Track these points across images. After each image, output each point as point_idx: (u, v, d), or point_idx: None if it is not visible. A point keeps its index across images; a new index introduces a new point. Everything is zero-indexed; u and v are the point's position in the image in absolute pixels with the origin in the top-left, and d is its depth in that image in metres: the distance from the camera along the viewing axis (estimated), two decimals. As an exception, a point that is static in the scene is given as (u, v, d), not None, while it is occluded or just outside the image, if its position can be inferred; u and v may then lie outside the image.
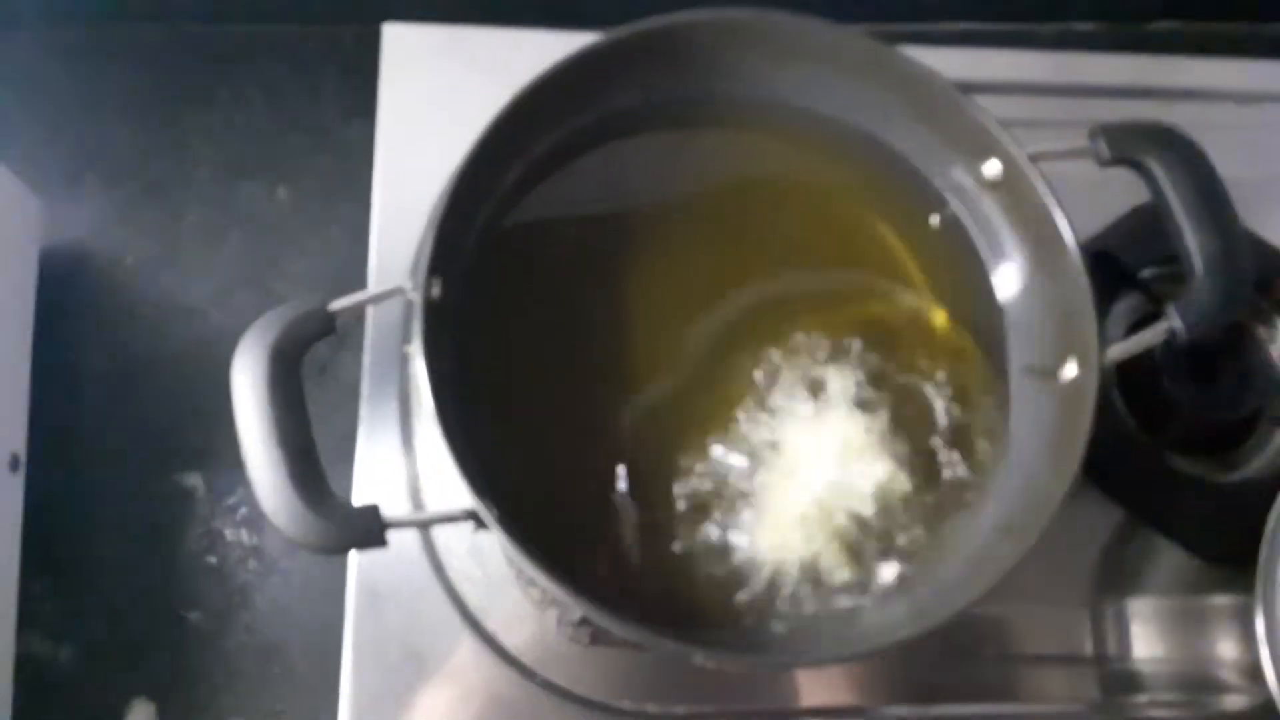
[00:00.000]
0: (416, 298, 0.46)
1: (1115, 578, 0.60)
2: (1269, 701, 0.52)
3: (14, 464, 0.66)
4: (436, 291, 0.48)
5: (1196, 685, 0.59)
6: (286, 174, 0.77)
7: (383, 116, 0.65)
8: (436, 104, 0.65)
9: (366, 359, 0.60)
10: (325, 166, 0.77)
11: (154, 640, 0.69)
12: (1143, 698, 0.59)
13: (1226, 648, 0.59)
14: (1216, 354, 0.61)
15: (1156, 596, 0.60)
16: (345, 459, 0.59)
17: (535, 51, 0.52)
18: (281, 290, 0.74)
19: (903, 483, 0.50)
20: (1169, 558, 0.60)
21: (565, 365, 0.52)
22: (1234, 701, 0.59)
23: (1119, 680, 0.59)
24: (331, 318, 0.47)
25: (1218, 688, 0.59)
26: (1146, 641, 0.59)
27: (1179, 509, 0.59)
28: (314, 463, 0.44)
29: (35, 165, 0.76)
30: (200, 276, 0.75)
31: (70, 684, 0.68)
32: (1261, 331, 0.63)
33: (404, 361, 0.60)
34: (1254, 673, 0.55)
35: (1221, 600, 0.60)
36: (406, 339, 0.60)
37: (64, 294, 0.73)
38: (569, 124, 0.55)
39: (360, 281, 0.61)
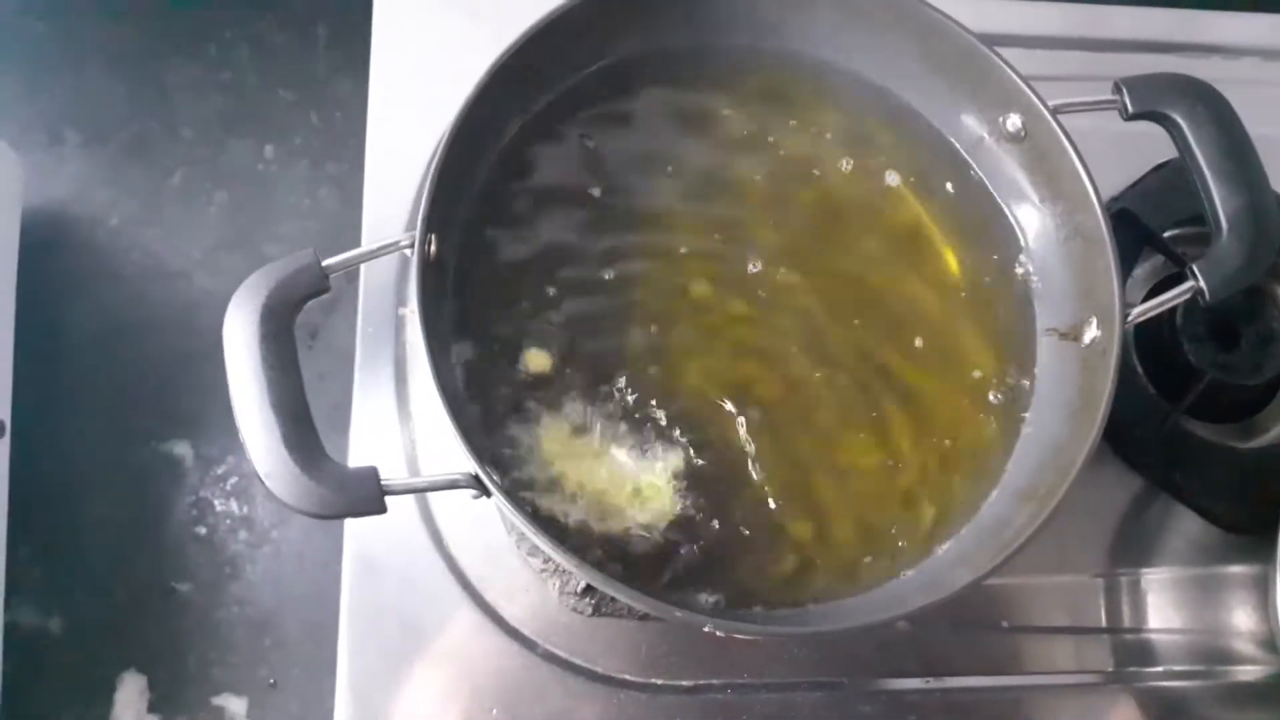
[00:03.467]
0: (413, 254, 0.45)
1: (1131, 547, 0.59)
2: (1285, 672, 0.52)
3: (-1, 431, 0.64)
4: (433, 249, 0.46)
5: (1211, 656, 0.58)
6: (275, 132, 0.75)
7: (376, 67, 0.62)
8: (432, 54, 0.62)
9: (360, 323, 0.58)
10: (315, 124, 0.75)
11: (144, 612, 0.67)
12: (1156, 669, 0.58)
13: (1242, 618, 0.58)
14: (1237, 318, 0.60)
15: (1173, 566, 0.59)
16: (339, 428, 0.57)
17: (536, -1, 0.50)
18: (270, 252, 0.72)
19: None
20: (1186, 526, 0.59)
21: (569, 326, 0.50)
22: (1249, 673, 0.58)
23: (1133, 651, 0.58)
24: (325, 274, 0.45)
25: (1232, 658, 0.58)
26: (1161, 612, 0.58)
27: (1197, 476, 0.58)
28: (308, 425, 0.43)
29: (14, 123, 0.74)
30: (186, 238, 0.72)
31: (60, 655, 0.67)
32: (1283, 294, 0.62)
33: (399, 325, 0.58)
34: (1270, 643, 0.54)
35: (1239, 570, 0.59)
36: (402, 301, 0.58)
37: (45, 257, 0.71)
38: (572, 74, 0.53)
39: (351, 244, 0.59)
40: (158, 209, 0.73)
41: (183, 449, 0.68)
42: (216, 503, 0.68)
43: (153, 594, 0.67)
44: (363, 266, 0.58)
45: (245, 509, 0.68)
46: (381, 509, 0.42)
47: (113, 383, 0.70)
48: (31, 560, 0.67)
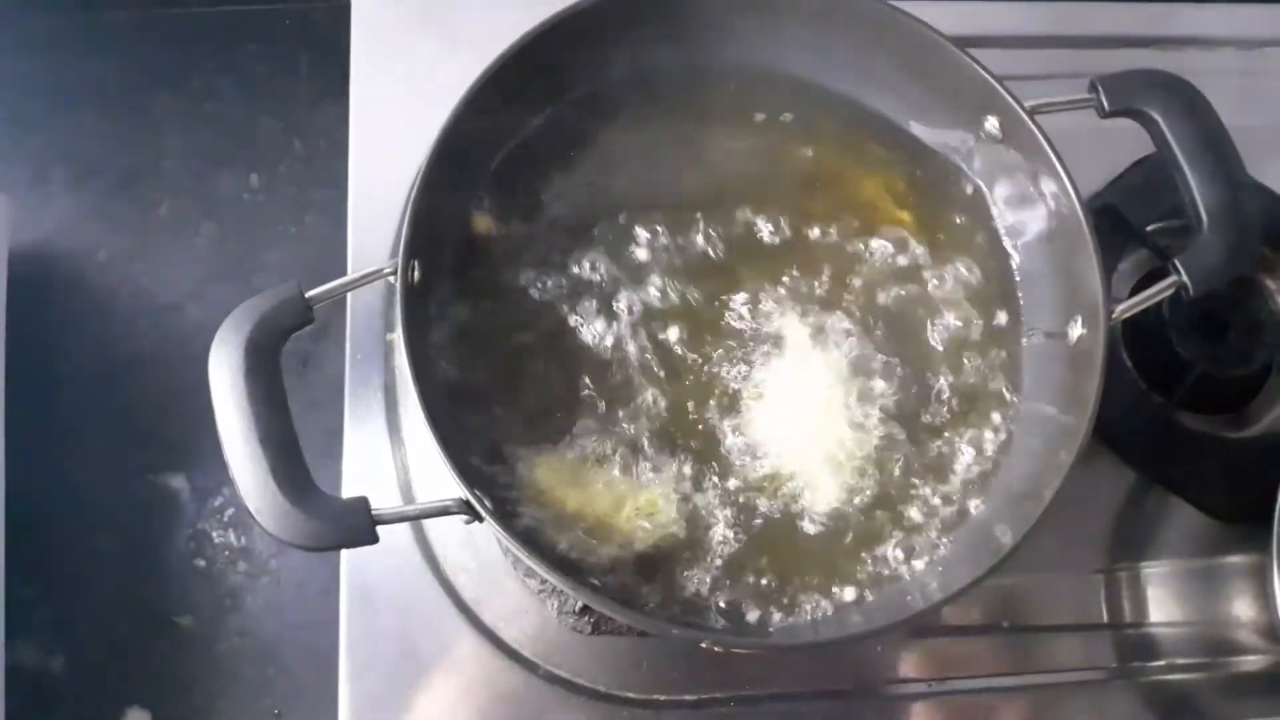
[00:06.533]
0: (396, 281, 0.45)
1: (1129, 542, 0.59)
2: (1288, 660, 0.52)
3: (-9, 470, 0.65)
4: (416, 275, 0.46)
5: (1213, 647, 0.58)
6: (259, 161, 0.75)
7: (355, 96, 0.63)
8: (411, 81, 0.63)
9: (348, 350, 0.59)
10: (299, 152, 0.75)
11: (146, 647, 0.67)
12: (1160, 662, 0.58)
13: (1243, 608, 0.58)
14: (1225, 309, 0.60)
15: (1171, 559, 0.59)
16: (333, 455, 0.58)
17: (513, 23, 0.50)
18: (260, 281, 0.72)
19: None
20: (1182, 519, 0.59)
21: (554, 346, 0.51)
22: (1252, 662, 0.58)
23: (1135, 646, 0.58)
24: (309, 305, 0.45)
25: (1235, 649, 0.58)
26: (1162, 605, 0.58)
27: (1191, 468, 0.58)
28: (297, 457, 0.43)
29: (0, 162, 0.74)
30: (175, 270, 0.72)
31: (63, 694, 0.67)
32: (1270, 284, 0.62)
33: (388, 351, 0.58)
34: (1271, 632, 0.54)
35: (1236, 560, 0.59)
36: (390, 327, 0.58)
37: (35, 294, 0.71)
38: (557, 97, 0.53)
39: (339, 270, 0.59)
40: (146, 242, 0.73)
41: (179, 482, 0.68)
42: (214, 534, 0.68)
43: (154, 628, 0.67)
44: (349, 294, 0.58)
45: (243, 540, 0.68)
46: (373, 539, 0.42)
47: (106, 418, 0.70)
48: (33, 600, 0.67)
